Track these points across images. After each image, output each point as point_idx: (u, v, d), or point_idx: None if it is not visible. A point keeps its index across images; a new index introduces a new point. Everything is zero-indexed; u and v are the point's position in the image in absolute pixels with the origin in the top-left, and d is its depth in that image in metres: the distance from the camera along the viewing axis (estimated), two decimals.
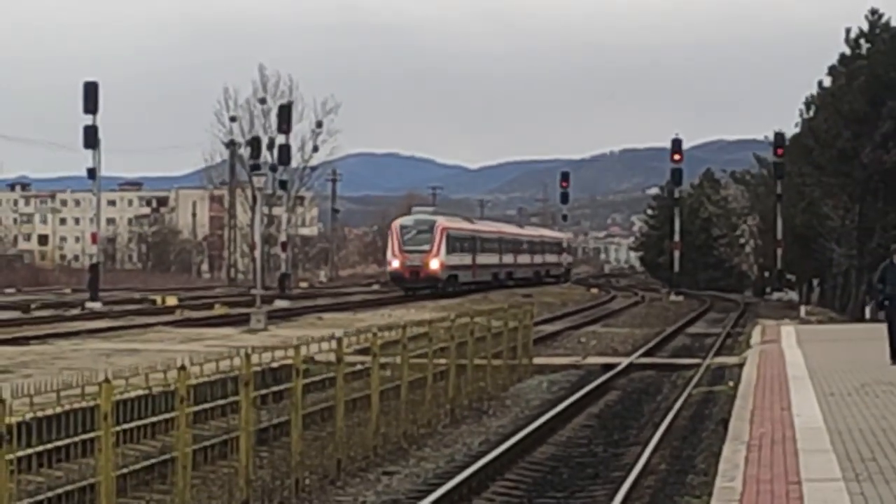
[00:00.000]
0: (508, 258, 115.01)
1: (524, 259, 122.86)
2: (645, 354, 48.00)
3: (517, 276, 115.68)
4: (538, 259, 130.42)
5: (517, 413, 31.85)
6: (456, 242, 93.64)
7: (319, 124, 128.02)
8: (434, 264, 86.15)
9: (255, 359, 20.15)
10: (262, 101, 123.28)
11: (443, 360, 30.71)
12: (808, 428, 21.46)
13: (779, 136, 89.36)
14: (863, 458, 18.28)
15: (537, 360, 43.00)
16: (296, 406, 21.40)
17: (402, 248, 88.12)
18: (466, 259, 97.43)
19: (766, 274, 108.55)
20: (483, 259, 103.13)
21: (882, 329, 35.66)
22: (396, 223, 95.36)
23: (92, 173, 78.67)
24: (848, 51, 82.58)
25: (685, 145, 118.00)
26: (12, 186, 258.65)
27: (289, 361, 22.13)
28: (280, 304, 74.20)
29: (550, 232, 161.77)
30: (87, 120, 74.71)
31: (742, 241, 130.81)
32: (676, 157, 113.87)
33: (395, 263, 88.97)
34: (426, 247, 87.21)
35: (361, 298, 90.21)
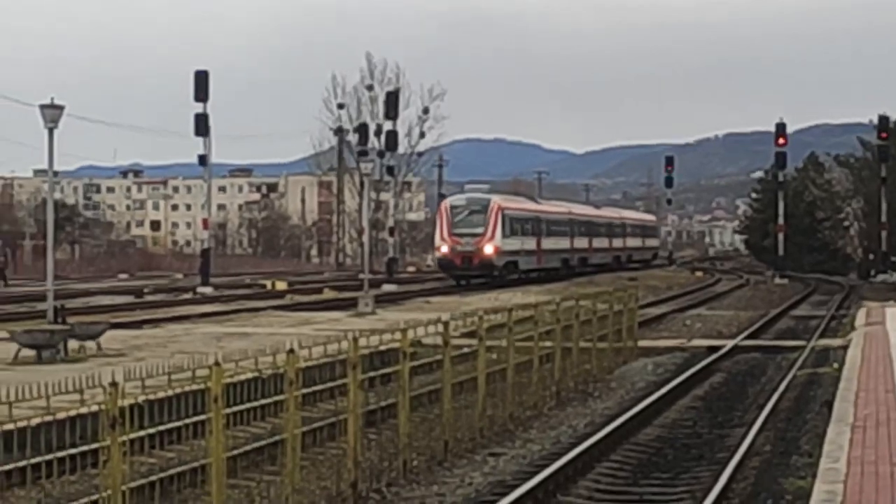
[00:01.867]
0: (582, 242, 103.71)
1: (601, 243, 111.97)
2: (749, 337, 47.72)
3: (593, 262, 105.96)
4: (618, 243, 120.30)
5: (622, 395, 31.80)
6: (516, 224, 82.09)
7: (426, 110, 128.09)
8: (489, 249, 75.43)
9: (362, 342, 20.17)
10: (370, 87, 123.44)
11: (548, 343, 30.63)
12: None
13: (883, 119, 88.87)
14: None
15: (642, 343, 42.91)
16: (403, 388, 21.39)
17: (452, 231, 77.99)
18: (529, 243, 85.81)
19: (871, 256, 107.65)
20: (550, 243, 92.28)
21: None
22: (446, 203, 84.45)
23: (203, 160, 79.31)
24: None
25: (789, 129, 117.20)
26: (125, 174, 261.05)
27: (396, 345, 22.18)
28: (387, 288, 74.33)
29: (634, 213, 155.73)
30: (198, 108, 75.45)
31: (846, 223, 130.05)
32: (781, 140, 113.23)
33: (444, 249, 78.13)
34: (480, 229, 76.32)
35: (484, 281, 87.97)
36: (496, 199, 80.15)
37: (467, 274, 76.00)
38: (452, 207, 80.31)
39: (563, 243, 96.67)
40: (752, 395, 31.89)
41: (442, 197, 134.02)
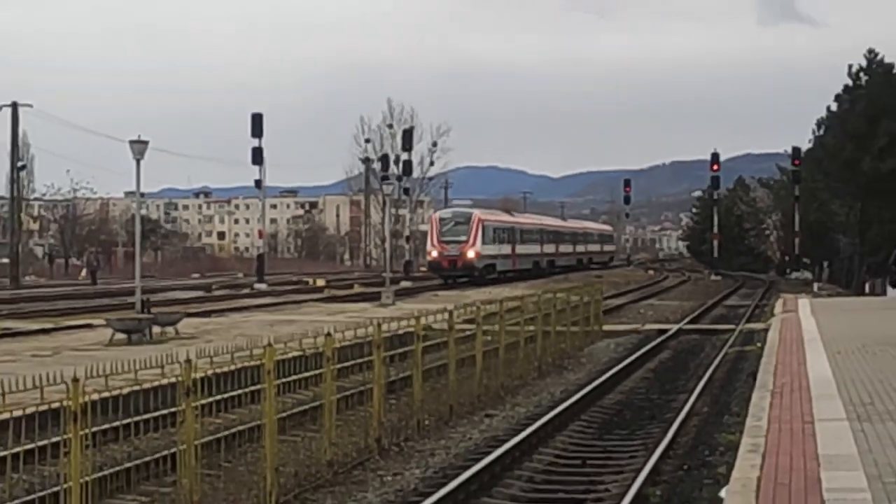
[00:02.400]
0: (550, 248, 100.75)
1: (566, 248, 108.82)
2: (690, 322, 47.82)
3: (559, 265, 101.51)
4: (581, 248, 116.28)
5: (590, 369, 31.84)
6: (493, 233, 79.82)
7: (435, 144, 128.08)
8: (470, 254, 73.47)
9: (385, 327, 20.36)
10: (390, 126, 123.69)
11: (532, 328, 30.78)
12: (820, 379, 21.28)
13: (796, 150, 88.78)
14: (863, 402, 18.12)
15: (606, 327, 42.89)
16: (417, 364, 21.56)
17: (441, 238, 75.30)
18: (505, 249, 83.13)
19: (787, 258, 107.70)
20: (523, 249, 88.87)
21: (878, 301, 35.41)
22: (436, 216, 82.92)
23: (258, 184, 79.34)
24: (850, 82, 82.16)
25: (722, 158, 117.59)
26: (197, 194, 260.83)
27: (411, 329, 22.29)
28: (404, 284, 74.12)
29: (594, 224, 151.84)
30: (255, 142, 75.47)
31: (767, 232, 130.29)
32: (715, 167, 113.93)
33: (434, 253, 76.50)
34: (463, 238, 74.19)
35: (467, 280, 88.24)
36: (477, 213, 78.79)
37: (452, 274, 74.07)
38: (441, 219, 78.68)
39: (535, 249, 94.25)
40: (693, 368, 31.96)
41: None
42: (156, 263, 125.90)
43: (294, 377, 16.85)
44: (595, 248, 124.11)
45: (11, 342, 32.94)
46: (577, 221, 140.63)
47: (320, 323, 33.38)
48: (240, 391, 15.79)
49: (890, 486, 12.33)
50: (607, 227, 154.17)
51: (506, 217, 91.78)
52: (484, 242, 75.26)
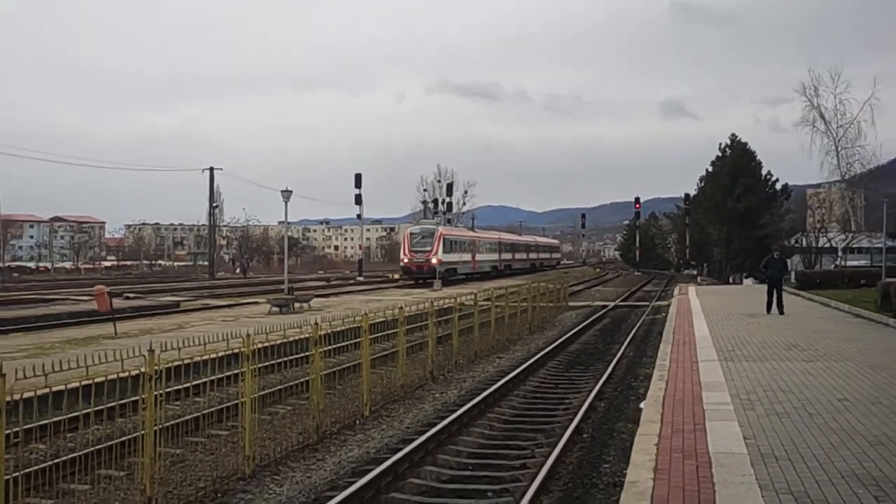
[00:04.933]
0: (507, 255, 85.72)
1: (521, 256, 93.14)
2: (622, 300, 47.53)
3: (515, 268, 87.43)
4: (533, 256, 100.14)
5: (560, 329, 31.68)
6: (453, 244, 67.17)
7: (466, 192, 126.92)
8: (433, 260, 60.94)
9: (435, 304, 20.35)
10: (438, 181, 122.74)
11: (525, 304, 30.71)
12: (701, 336, 21.21)
13: (687, 195, 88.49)
14: (727, 349, 18.08)
15: (571, 304, 42.81)
16: (454, 325, 21.52)
17: (411, 249, 63.23)
18: (465, 257, 69.82)
19: (681, 261, 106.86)
20: (482, 257, 75.38)
21: (737, 287, 35.32)
22: (407, 231, 68.73)
23: (359, 216, 79.07)
24: (720, 153, 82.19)
25: (642, 200, 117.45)
26: (321, 222, 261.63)
27: (450, 304, 22.29)
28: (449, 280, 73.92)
29: (543, 238, 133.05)
30: (356, 191, 75.03)
31: (669, 246, 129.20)
32: (637, 206, 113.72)
33: (406, 260, 63.27)
34: (428, 248, 62.11)
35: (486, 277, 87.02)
36: (440, 229, 65.32)
37: (420, 276, 61.37)
38: (411, 234, 65.35)
39: (493, 256, 79.81)
40: (623, 329, 31.77)
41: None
42: (296, 265, 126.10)
43: (379, 334, 16.81)
44: (545, 255, 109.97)
45: (209, 312, 33.20)
46: (530, 236, 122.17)
47: (397, 300, 33.55)
48: (347, 342, 15.84)
49: (744, 400, 12.34)
50: (554, 241, 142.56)
51: (467, 233, 78.27)
52: (444, 252, 63.09)
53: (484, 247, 77.33)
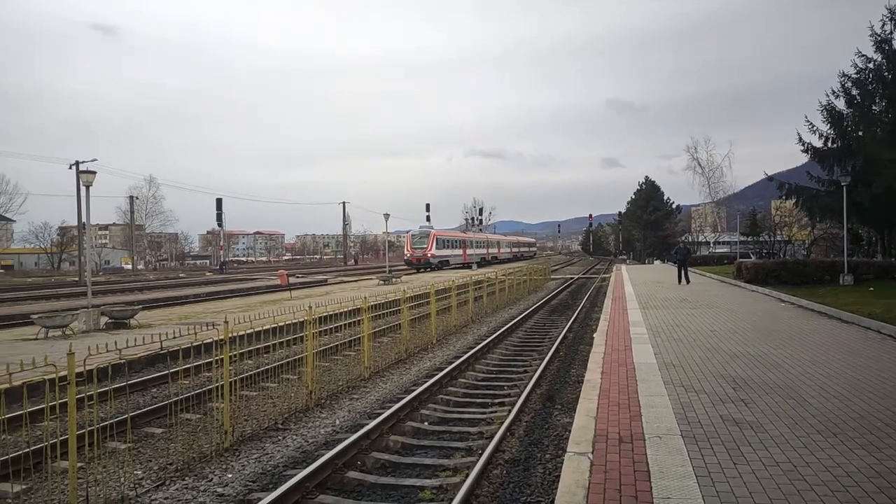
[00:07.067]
0: (493, 250, 71.48)
1: (505, 250, 78.00)
2: (583, 275, 46.70)
3: (500, 259, 72.87)
4: (515, 250, 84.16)
5: (545, 293, 30.92)
6: (445, 242, 56.18)
7: (490, 213, 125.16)
8: (428, 254, 50.76)
9: (474, 278, 19.98)
10: (473, 206, 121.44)
11: (525, 277, 29.99)
12: (630, 294, 20.89)
13: (620, 212, 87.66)
14: (647, 305, 17.74)
15: (552, 277, 42.27)
16: (452, 299, 19.18)
17: (412, 245, 53.06)
18: (457, 251, 58.47)
19: (617, 251, 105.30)
20: (472, 251, 62.43)
21: (651, 266, 34.27)
22: (409, 234, 56.25)
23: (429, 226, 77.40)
24: (638, 187, 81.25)
25: (594, 215, 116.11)
26: (407, 231, 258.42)
27: (468, 280, 21.84)
28: (480, 269, 69.21)
29: (523, 237, 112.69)
30: (425, 213, 72.23)
31: (610, 242, 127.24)
32: (590, 219, 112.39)
33: (408, 255, 52.65)
34: (424, 245, 51.81)
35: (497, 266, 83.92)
36: (434, 231, 54.43)
37: (419, 266, 51.00)
38: (412, 235, 54.43)
39: (482, 251, 66.55)
40: (584, 292, 31.16)
41: None
42: (393, 258, 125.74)
43: (383, 311, 15.14)
44: (524, 249, 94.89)
45: (344, 284, 32.94)
46: (513, 236, 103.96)
47: (451, 277, 32.80)
48: (351, 320, 13.36)
49: (654, 331, 12.16)
50: (531, 240, 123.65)
51: (458, 234, 65.22)
52: (437, 248, 53.20)
53: (473, 244, 66.43)
